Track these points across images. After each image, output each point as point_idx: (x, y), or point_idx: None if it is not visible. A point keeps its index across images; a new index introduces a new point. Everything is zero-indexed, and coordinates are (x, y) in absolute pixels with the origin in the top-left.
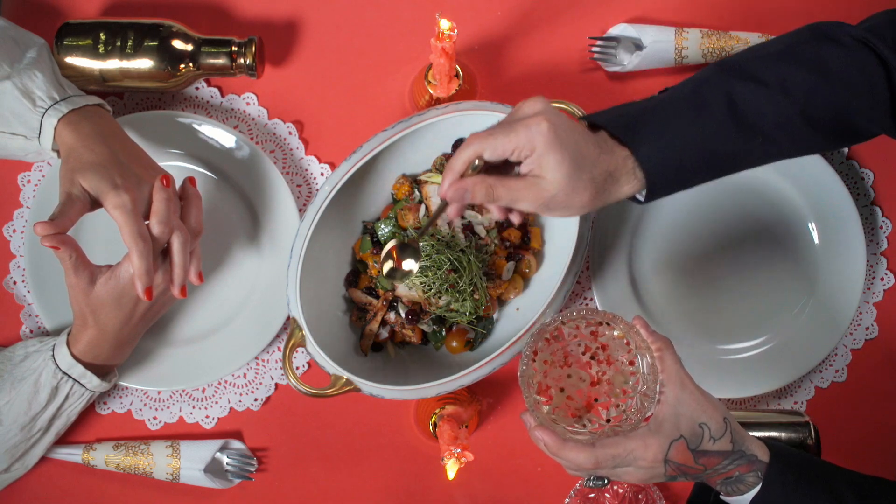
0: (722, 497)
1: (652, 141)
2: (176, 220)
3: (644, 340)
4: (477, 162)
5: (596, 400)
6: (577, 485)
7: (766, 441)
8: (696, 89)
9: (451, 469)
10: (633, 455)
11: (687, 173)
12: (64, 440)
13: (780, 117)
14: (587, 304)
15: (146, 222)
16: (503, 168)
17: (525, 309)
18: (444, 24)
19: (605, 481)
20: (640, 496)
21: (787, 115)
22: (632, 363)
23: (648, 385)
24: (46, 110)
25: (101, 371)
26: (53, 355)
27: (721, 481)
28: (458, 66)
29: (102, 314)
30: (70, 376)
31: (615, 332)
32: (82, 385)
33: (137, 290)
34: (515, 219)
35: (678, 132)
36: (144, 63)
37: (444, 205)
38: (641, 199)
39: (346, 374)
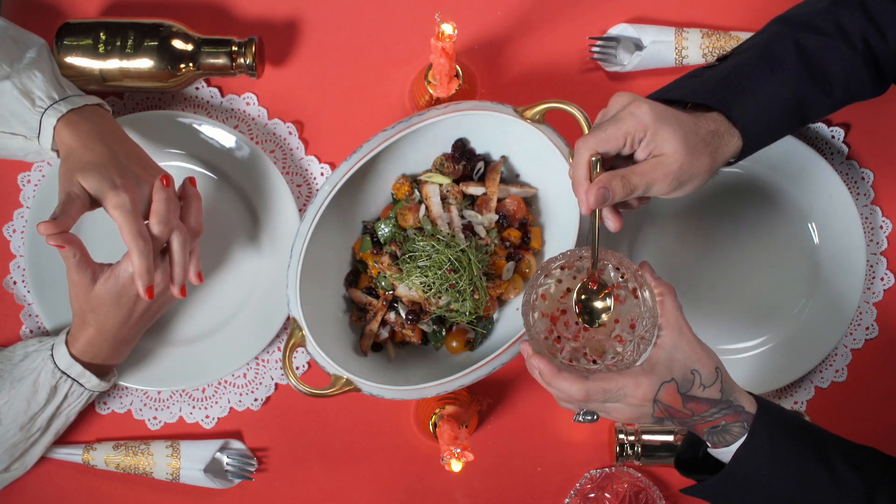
0: (709, 451)
1: (739, 102)
2: (175, 219)
3: (648, 283)
4: (594, 159)
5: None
6: (577, 484)
7: (756, 396)
8: (766, 48)
9: (456, 465)
10: (623, 391)
11: (777, 124)
12: (64, 440)
13: (848, 65)
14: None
15: (146, 222)
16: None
17: None
18: (448, 29)
19: (595, 417)
20: (640, 496)
21: (853, 63)
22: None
23: (647, 329)
24: (45, 110)
25: (100, 371)
26: (52, 354)
27: (708, 430)
28: (458, 66)
29: (101, 313)
30: (69, 376)
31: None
32: (81, 385)
33: (138, 289)
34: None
35: (761, 89)
36: (144, 63)
37: (593, 221)
38: (733, 158)
39: (346, 374)
